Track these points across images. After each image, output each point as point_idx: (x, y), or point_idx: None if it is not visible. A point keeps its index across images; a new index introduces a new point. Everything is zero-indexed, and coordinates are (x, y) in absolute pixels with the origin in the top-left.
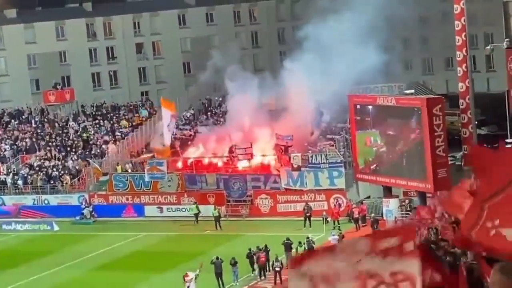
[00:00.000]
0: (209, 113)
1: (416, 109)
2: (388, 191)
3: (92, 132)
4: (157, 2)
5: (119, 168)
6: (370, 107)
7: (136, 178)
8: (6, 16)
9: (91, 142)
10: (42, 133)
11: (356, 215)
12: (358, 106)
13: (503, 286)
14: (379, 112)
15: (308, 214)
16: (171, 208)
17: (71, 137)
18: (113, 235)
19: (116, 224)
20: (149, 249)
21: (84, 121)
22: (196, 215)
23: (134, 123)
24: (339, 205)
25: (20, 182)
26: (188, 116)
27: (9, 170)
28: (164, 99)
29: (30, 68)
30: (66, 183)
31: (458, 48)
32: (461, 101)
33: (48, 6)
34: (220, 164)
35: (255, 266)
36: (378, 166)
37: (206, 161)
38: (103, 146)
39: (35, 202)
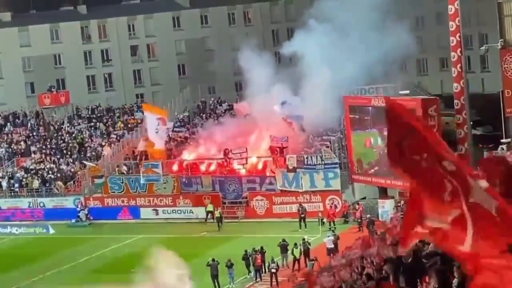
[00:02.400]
0: (203, 115)
1: (411, 109)
2: (383, 192)
3: (87, 134)
4: (151, 4)
5: (117, 169)
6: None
7: (132, 181)
8: (0, 19)
9: (86, 145)
10: (37, 136)
11: (358, 216)
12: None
13: None
14: (378, 111)
15: (302, 215)
16: (167, 210)
17: (66, 140)
18: (108, 238)
19: (111, 226)
20: (145, 251)
21: (79, 124)
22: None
23: (129, 126)
24: (335, 206)
25: (16, 185)
26: (182, 118)
27: (4, 173)
28: (146, 104)
29: (25, 71)
30: (60, 187)
31: (452, 49)
32: (456, 101)
33: (43, 9)
34: (213, 168)
35: (251, 268)
36: (378, 167)
37: (203, 166)
38: (98, 148)
39: (31, 205)
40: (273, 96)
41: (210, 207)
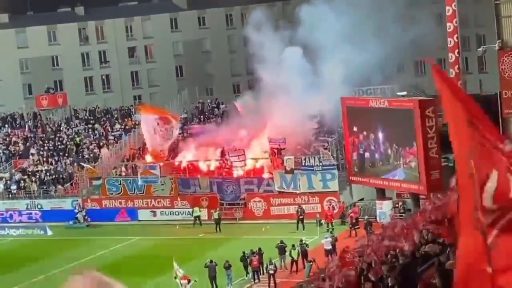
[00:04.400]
0: (201, 117)
1: (409, 110)
2: (381, 193)
3: (85, 136)
4: (149, 6)
5: (114, 171)
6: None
7: (130, 182)
8: None
9: (84, 146)
10: (34, 138)
11: (350, 222)
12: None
13: None
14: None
15: (301, 217)
16: (165, 212)
17: (64, 142)
18: (106, 239)
19: (109, 228)
20: (143, 253)
21: (77, 126)
22: (198, 218)
23: (127, 127)
24: (333, 207)
25: (13, 187)
26: (180, 119)
27: (2, 175)
28: (143, 105)
29: (22, 72)
30: (60, 191)
31: (450, 50)
32: None
33: (40, 11)
34: (213, 166)
35: (249, 269)
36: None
37: (201, 165)
38: (96, 150)
39: (29, 207)
40: (285, 62)
41: (196, 212)
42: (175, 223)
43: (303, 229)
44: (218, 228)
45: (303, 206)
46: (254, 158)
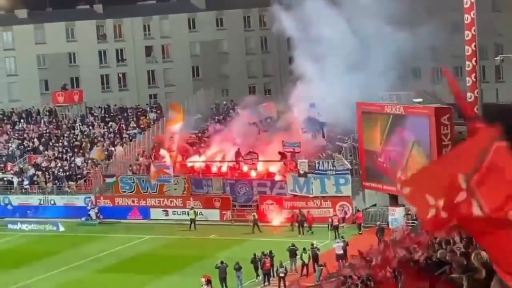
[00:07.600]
0: (216, 118)
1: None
2: (394, 200)
3: (100, 133)
4: (167, 5)
5: (129, 168)
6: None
7: (143, 181)
8: (17, 16)
9: (98, 144)
10: (50, 134)
11: (335, 223)
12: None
13: None
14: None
15: (300, 221)
16: (177, 212)
17: (78, 138)
18: (118, 237)
19: (121, 226)
20: (154, 252)
21: (92, 123)
22: (192, 220)
23: (141, 126)
24: (345, 212)
25: (26, 182)
26: (195, 119)
27: (17, 170)
28: (173, 103)
29: (39, 68)
30: (72, 187)
31: (467, 58)
32: None
33: (59, 7)
34: (225, 169)
35: (259, 271)
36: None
37: (214, 168)
38: (110, 148)
39: (41, 202)
40: (310, 15)
41: (191, 214)
42: (187, 223)
43: (302, 234)
44: (258, 229)
45: (316, 210)
46: (266, 160)
